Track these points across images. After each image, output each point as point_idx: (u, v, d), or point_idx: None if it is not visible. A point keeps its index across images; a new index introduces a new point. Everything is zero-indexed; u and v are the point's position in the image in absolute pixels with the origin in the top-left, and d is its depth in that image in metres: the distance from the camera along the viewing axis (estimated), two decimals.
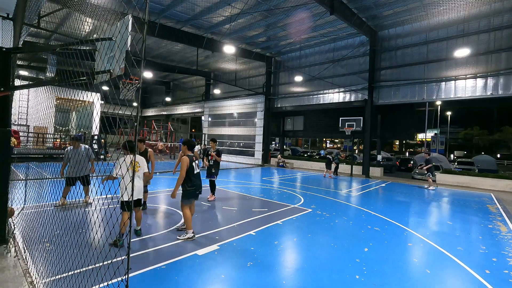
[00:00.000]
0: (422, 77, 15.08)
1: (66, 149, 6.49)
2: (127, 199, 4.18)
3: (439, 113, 32.76)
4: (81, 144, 6.53)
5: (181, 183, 4.83)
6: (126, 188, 4.03)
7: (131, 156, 4.31)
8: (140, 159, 4.74)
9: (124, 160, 4.33)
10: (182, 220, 5.42)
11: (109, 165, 2.18)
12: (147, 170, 4.84)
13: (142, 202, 5.78)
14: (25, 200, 5.67)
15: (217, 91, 27.69)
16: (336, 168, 16.84)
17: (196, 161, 5.06)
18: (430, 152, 13.93)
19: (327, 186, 12.22)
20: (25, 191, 5.89)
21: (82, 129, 19.88)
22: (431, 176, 12.39)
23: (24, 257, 3.73)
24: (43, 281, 3.14)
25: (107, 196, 6.93)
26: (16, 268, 3.46)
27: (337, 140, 60.26)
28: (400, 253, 4.80)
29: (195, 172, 4.99)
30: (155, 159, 6.51)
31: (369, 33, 15.91)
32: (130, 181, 3.18)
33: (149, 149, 6.31)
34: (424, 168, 12.71)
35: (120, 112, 2.54)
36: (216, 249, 4.51)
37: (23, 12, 4.64)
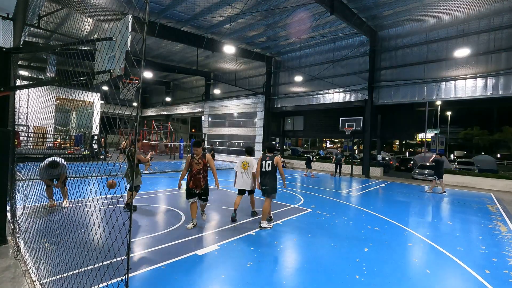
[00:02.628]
0: (422, 77, 15.08)
1: (41, 167, 6.17)
2: (239, 187, 6.32)
3: (439, 113, 32.74)
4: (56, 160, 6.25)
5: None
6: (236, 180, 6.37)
7: (247, 157, 6.41)
8: (249, 160, 6.33)
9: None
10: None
11: (108, 165, 2.19)
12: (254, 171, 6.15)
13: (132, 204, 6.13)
14: (24, 200, 5.67)
15: (217, 91, 27.70)
16: (339, 168, 16.92)
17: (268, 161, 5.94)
18: (440, 153, 12.82)
19: (327, 186, 12.22)
20: (26, 191, 5.89)
21: (82, 129, 19.87)
22: (437, 180, 11.42)
23: (24, 257, 3.73)
24: (43, 281, 3.14)
25: (107, 196, 6.93)
26: (16, 268, 3.46)
27: (337, 140, 60.24)
28: (400, 253, 4.80)
29: (262, 169, 5.93)
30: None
31: (369, 33, 15.91)
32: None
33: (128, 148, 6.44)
34: (429, 158, 12.06)
35: (120, 112, 2.54)
36: (216, 249, 4.51)
37: (23, 12, 4.64)
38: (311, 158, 16.22)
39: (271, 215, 6.25)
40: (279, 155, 22.69)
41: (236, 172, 6.42)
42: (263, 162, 5.91)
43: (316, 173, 16.78)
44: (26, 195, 5.64)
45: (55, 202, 6.40)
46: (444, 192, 11.58)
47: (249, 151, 6.64)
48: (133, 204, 6.86)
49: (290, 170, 18.97)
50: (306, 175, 15.69)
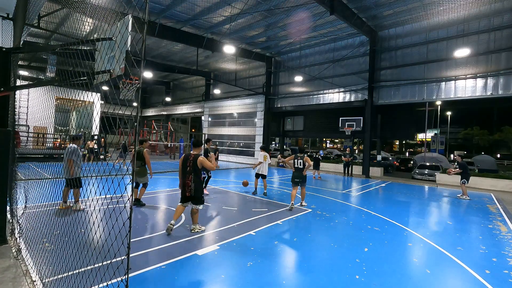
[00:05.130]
0: (422, 77, 15.08)
1: (69, 148, 6.15)
2: (257, 172, 9.30)
3: (439, 113, 32.72)
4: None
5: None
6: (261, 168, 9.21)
7: (265, 153, 9.28)
8: (267, 154, 9.25)
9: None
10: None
11: (108, 165, 2.18)
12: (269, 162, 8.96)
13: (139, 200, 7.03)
14: (26, 200, 5.67)
15: (217, 91, 27.71)
16: (350, 168, 16.91)
17: (300, 160, 7.64)
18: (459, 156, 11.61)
19: (327, 186, 12.22)
20: (27, 191, 5.89)
21: (82, 129, 19.85)
22: (466, 184, 10.58)
23: (24, 257, 3.73)
24: (43, 281, 3.14)
25: (107, 196, 6.93)
26: (16, 268, 3.46)
27: (337, 140, 60.23)
28: (400, 253, 4.80)
29: (295, 166, 7.66)
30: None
31: (369, 33, 15.90)
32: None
33: (145, 149, 6.94)
34: (453, 172, 11.37)
35: (120, 112, 2.54)
36: (216, 249, 4.51)
37: (23, 12, 4.64)
38: (320, 158, 16.05)
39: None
40: (279, 155, 22.91)
41: (260, 162, 9.14)
42: (295, 160, 7.67)
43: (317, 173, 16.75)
44: (27, 195, 5.64)
45: (68, 204, 6.32)
46: (467, 198, 10.53)
47: (265, 148, 9.62)
48: (142, 202, 7.11)
49: (290, 170, 18.94)
50: (314, 178, 14.97)
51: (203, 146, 5.61)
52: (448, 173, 12.02)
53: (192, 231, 5.23)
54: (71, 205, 6.36)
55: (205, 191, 8.89)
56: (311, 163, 7.77)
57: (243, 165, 21.23)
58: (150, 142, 25.02)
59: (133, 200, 6.73)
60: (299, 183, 7.64)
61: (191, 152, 5.18)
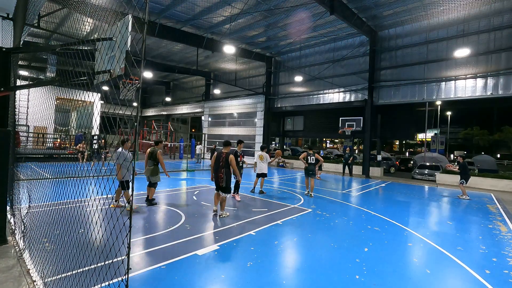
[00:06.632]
0: (422, 77, 15.08)
1: (117, 152, 6.37)
2: (257, 172, 9.57)
3: (439, 113, 32.69)
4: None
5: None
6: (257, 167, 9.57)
7: (262, 152, 9.61)
8: (264, 154, 9.52)
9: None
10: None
11: (109, 164, 2.18)
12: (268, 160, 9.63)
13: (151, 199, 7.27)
14: (29, 199, 5.67)
15: (217, 91, 27.70)
16: (350, 169, 16.87)
17: (312, 157, 9.35)
18: (463, 156, 11.54)
19: (327, 186, 12.21)
20: (26, 192, 5.88)
21: (82, 129, 19.83)
22: (464, 184, 10.53)
23: (24, 257, 3.73)
24: (43, 281, 3.14)
25: (107, 196, 6.94)
26: (16, 268, 3.46)
27: (337, 140, 60.22)
28: (400, 253, 4.80)
29: (308, 162, 9.33)
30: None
31: (369, 33, 15.90)
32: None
33: (159, 150, 7.14)
34: (450, 168, 11.61)
35: (120, 112, 2.54)
36: (216, 249, 4.51)
37: (23, 12, 4.64)
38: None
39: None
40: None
41: (256, 162, 9.54)
42: (308, 157, 9.33)
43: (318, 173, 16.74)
44: (30, 195, 5.64)
45: (118, 203, 6.57)
46: (467, 198, 10.46)
47: (264, 148, 9.96)
48: (154, 201, 7.35)
49: (290, 170, 18.97)
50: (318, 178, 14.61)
51: (231, 145, 6.55)
52: (446, 167, 12.16)
53: (220, 216, 6.33)
54: (122, 204, 6.60)
55: (238, 198, 8.35)
56: (322, 159, 9.57)
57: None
58: (150, 142, 25.01)
59: (147, 198, 7.04)
60: (311, 175, 9.34)
61: (223, 150, 6.24)
